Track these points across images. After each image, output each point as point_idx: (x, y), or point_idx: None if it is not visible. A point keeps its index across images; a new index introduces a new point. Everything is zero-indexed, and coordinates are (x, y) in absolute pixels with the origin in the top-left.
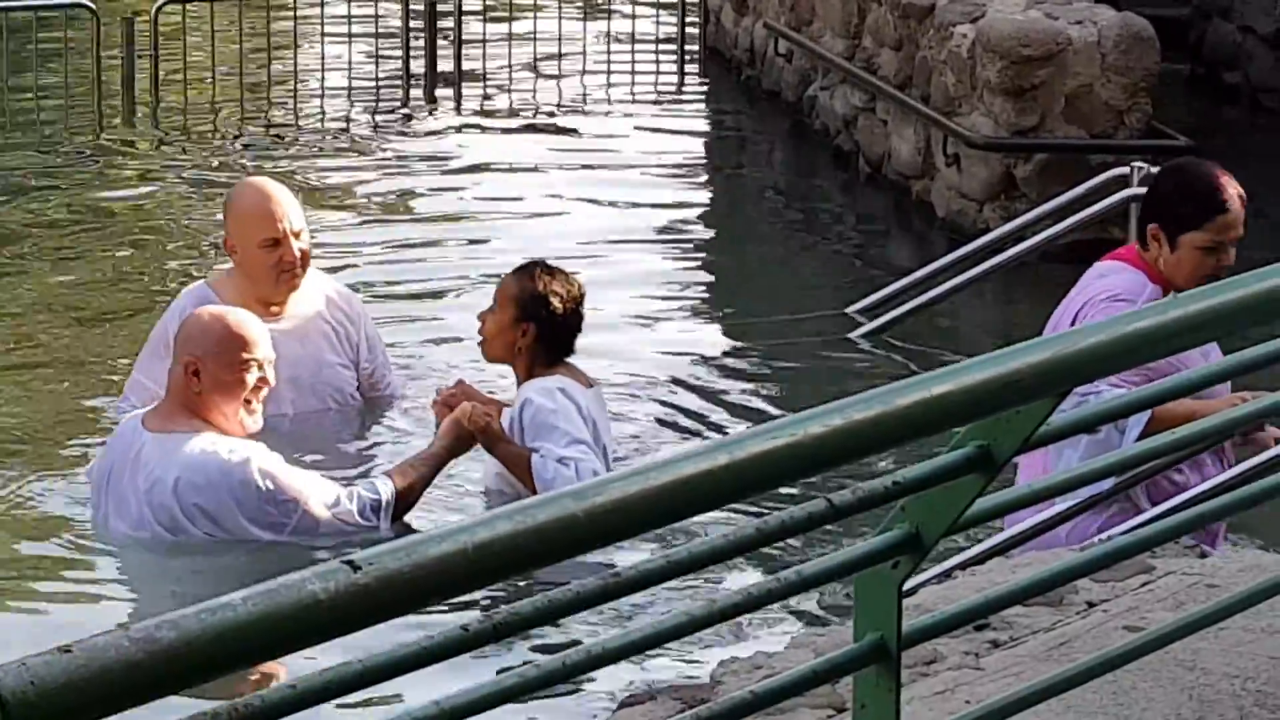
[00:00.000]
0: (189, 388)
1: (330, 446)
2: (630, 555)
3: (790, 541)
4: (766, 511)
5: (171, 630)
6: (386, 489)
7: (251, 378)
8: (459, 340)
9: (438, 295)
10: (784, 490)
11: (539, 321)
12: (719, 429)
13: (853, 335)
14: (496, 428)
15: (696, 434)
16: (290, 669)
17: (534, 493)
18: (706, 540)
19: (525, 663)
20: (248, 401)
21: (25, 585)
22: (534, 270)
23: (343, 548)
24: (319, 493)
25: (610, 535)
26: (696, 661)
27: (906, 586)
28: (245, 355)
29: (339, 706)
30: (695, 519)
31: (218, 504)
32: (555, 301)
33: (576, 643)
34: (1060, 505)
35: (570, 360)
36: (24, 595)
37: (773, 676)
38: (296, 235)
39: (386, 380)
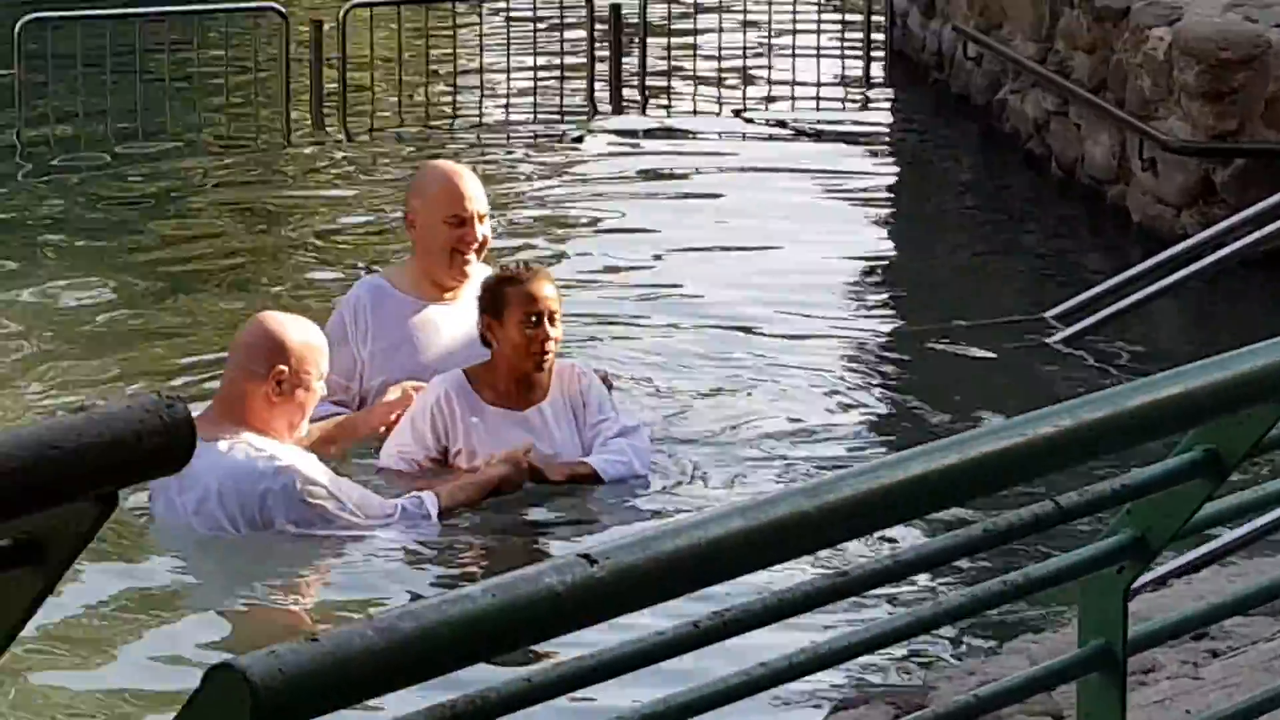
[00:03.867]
0: (264, 394)
1: None
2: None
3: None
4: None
5: (413, 621)
6: (432, 505)
7: (321, 389)
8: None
9: (616, 297)
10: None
11: None
12: (927, 431)
13: (1051, 340)
14: (554, 462)
15: (899, 438)
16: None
17: None
18: (935, 540)
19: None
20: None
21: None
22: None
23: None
24: (360, 498)
25: (842, 533)
26: (906, 666)
27: None
28: (323, 366)
29: (571, 699)
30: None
31: (261, 508)
32: None
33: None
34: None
35: None
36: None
37: (991, 682)
38: (480, 219)
39: None
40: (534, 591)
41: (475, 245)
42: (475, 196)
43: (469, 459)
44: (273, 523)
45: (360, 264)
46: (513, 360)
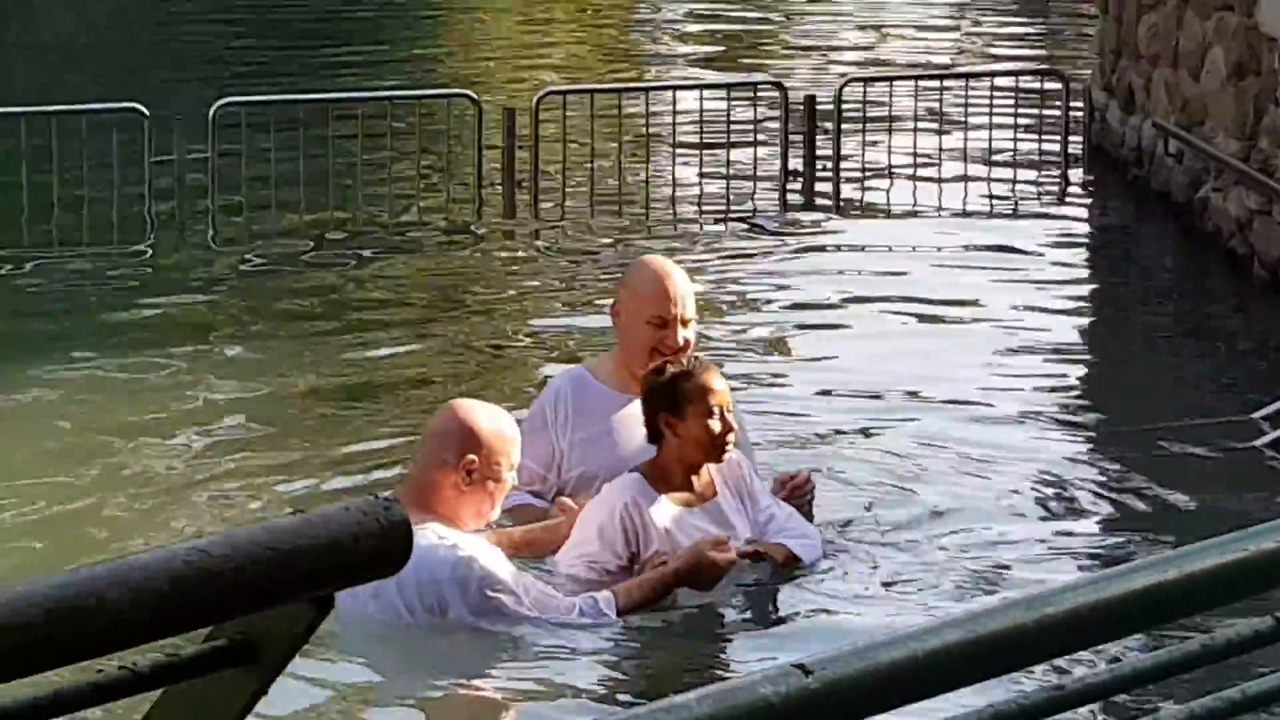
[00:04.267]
0: (455, 482)
1: None
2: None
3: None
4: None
5: None
6: (609, 606)
7: (512, 479)
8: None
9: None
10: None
11: None
12: (1140, 540)
13: (1259, 443)
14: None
15: (1109, 544)
16: None
17: None
18: (1152, 654)
19: None
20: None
21: None
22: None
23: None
24: (539, 595)
25: (1061, 647)
26: None
27: None
28: (515, 456)
29: None
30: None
31: (439, 597)
32: None
33: None
34: None
35: None
36: None
37: None
38: (684, 323)
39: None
40: (749, 702)
41: (676, 349)
42: (682, 300)
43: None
44: (448, 611)
45: (552, 352)
46: (692, 454)
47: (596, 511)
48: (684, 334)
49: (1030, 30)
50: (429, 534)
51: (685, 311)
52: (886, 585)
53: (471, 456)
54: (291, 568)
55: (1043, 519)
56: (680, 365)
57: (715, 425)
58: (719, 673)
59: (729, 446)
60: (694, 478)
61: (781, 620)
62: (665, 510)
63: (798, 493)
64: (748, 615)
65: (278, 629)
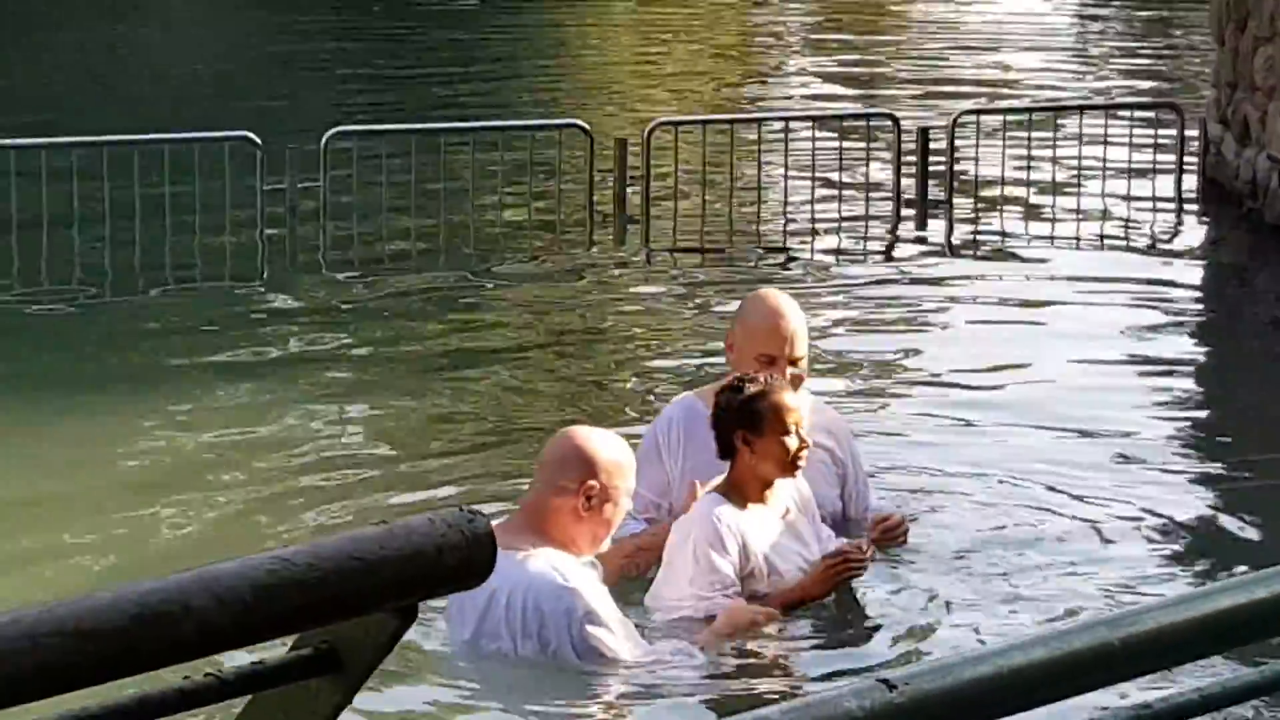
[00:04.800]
0: (572, 508)
1: None
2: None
3: None
4: None
5: None
6: (693, 655)
7: (626, 505)
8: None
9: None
10: None
11: None
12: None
13: None
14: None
15: (1209, 572)
16: None
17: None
18: (1240, 675)
19: None
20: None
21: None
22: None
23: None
24: (633, 636)
25: (1146, 666)
26: None
27: None
28: (631, 483)
29: None
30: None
31: (542, 625)
32: None
33: None
34: None
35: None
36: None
37: None
38: (794, 362)
39: (865, 503)
40: (832, 715)
41: None
42: (792, 338)
43: (765, 574)
44: (549, 643)
45: (662, 383)
46: (768, 470)
47: (688, 536)
48: (793, 371)
49: (1151, 62)
50: (541, 561)
51: (795, 350)
52: (969, 606)
53: (592, 483)
54: (375, 577)
55: (1145, 549)
56: (757, 384)
57: (792, 442)
58: (805, 688)
59: (802, 461)
60: (767, 492)
61: (864, 636)
62: (754, 520)
63: (889, 535)
64: (837, 632)
65: (362, 638)
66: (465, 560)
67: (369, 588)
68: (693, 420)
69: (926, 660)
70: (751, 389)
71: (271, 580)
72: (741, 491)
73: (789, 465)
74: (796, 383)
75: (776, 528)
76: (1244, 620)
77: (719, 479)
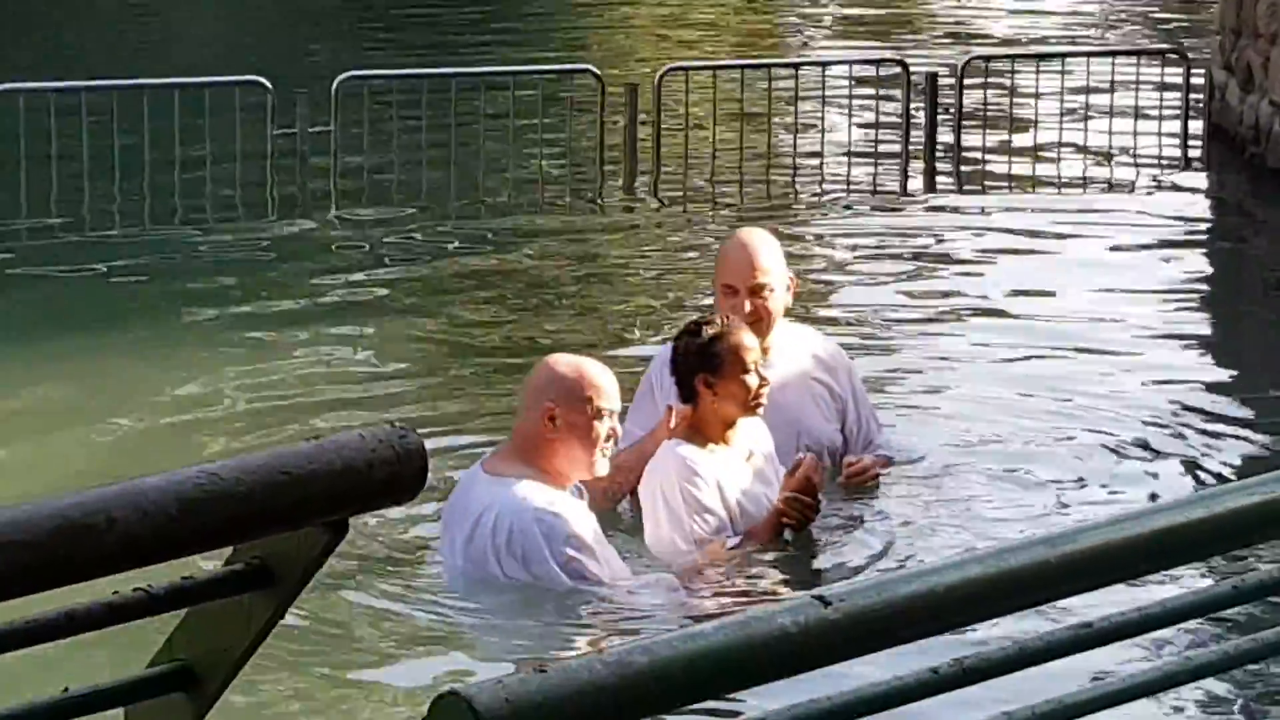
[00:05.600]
0: (543, 432)
1: None
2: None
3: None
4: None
5: (644, 655)
6: (673, 585)
7: (603, 427)
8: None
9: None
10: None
11: None
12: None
13: None
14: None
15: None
16: None
17: None
18: (1182, 596)
19: None
20: (600, 449)
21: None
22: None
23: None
24: (618, 566)
25: (1081, 583)
26: None
27: None
28: (599, 403)
29: None
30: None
31: (525, 547)
32: None
33: None
34: None
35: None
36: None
37: None
38: (754, 290)
39: (875, 440)
40: (767, 631)
41: (745, 315)
42: (757, 268)
43: (738, 517)
44: (533, 564)
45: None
46: (730, 410)
47: (668, 484)
48: (755, 301)
49: (1160, 6)
50: (525, 486)
51: (756, 278)
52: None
53: (549, 404)
54: (303, 491)
55: (1118, 485)
56: (714, 326)
57: (752, 380)
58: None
59: (764, 399)
60: (730, 433)
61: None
62: (721, 463)
63: (857, 479)
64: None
65: (294, 553)
66: (395, 475)
67: (298, 502)
68: None
69: (861, 578)
70: (709, 331)
71: (198, 494)
72: (705, 433)
73: (750, 404)
74: (761, 319)
75: (743, 470)
76: (1180, 540)
77: (686, 409)
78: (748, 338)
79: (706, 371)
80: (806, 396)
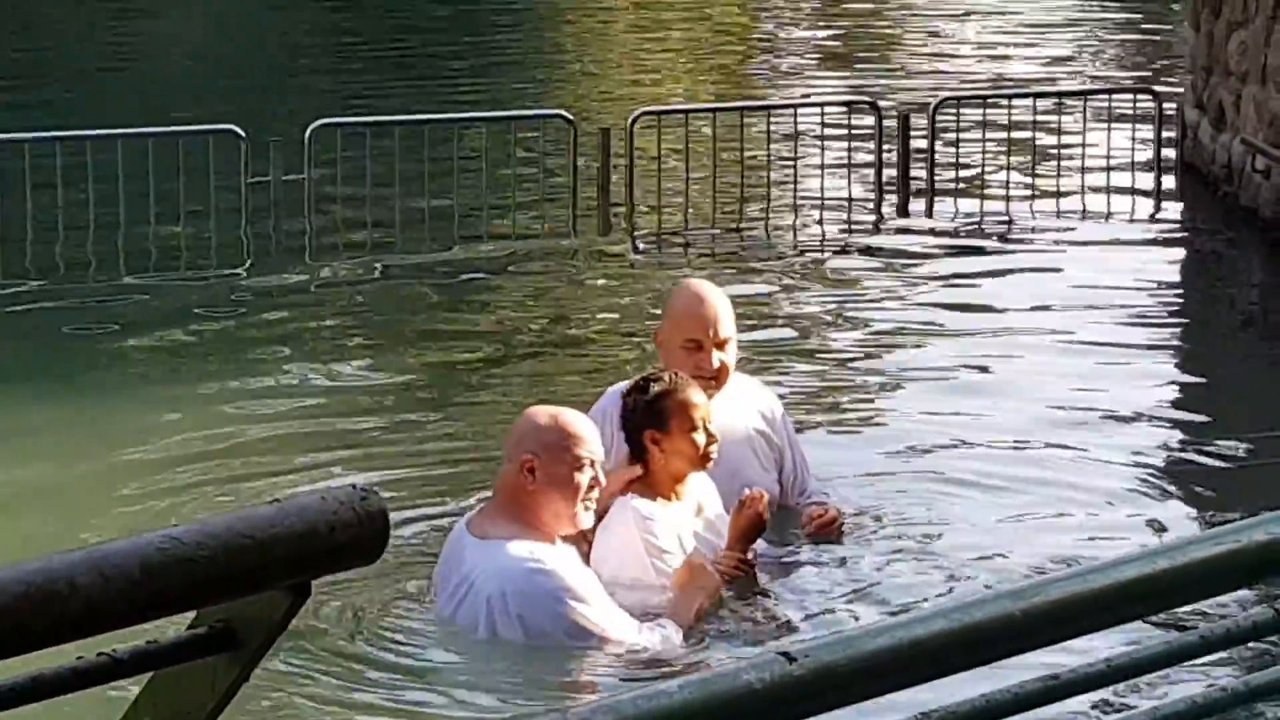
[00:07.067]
0: (523, 484)
1: None
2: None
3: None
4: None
5: (608, 715)
6: (676, 632)
7: (584, 477)
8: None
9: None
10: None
11: None
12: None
13: None
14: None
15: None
16: None
17: None
18: (1149, 646)
19: None
20: (582, 500)
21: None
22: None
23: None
24: (618, 617)
25: (1048, 637)
26: None
27: None
28: (579, 452)
29: None
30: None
31: (523, 608)
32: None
33: None
34: None
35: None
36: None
37: None
38: (720, 345)
39: (808, 489)
40: (731, 688)
41: (711, 372)
42: (716, 321)
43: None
44: (533, 626)
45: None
46: (679, 466)
47: (615, 542)
48: (720, 356)
49: (1143, 50)
50: (515, 547)
51: (720, 333)
52: (901, 587)
53: (527, 456)
54: (266, 555)
55: (1101, 531)
56: (662, 383)
57: (700, 437)
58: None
59: (714, 454)
60: (680, 488)
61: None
62: (674, 518)
63: (823, 530)
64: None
65: (258, 616)
66: (357, 538)
67: (261, 565)
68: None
69: (826, 633)
70: (656, 388)
71: (160, 558)
72: (656, 490)
73: (700, 460)
74: (723, 373)
75: (695, 525)
76: (1146, 591)
77: (636, 469)
78: (695, 394)
79: (654, 428)
80: (747, 449)
